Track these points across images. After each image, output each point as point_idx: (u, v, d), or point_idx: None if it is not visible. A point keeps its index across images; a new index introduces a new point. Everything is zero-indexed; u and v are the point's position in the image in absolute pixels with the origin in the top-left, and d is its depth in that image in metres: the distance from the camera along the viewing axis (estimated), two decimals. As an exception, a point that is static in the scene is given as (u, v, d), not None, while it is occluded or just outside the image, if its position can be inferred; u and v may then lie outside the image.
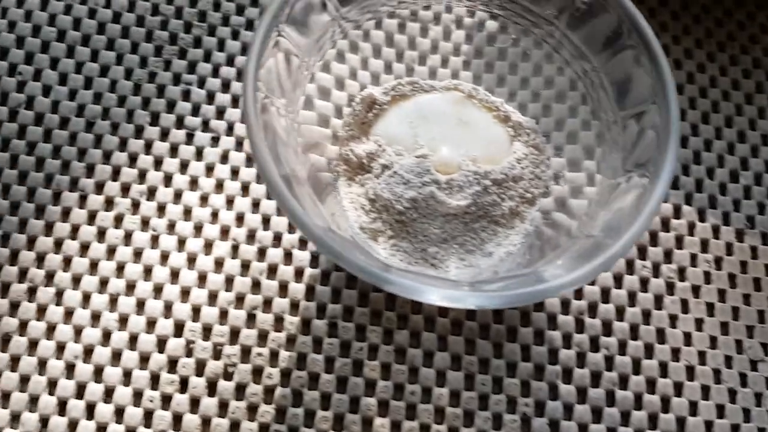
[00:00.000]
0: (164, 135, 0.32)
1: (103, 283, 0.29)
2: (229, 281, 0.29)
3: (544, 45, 0.29)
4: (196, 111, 0.32)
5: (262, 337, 0.29)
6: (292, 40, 0.25)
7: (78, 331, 0.28)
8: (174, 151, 0.31)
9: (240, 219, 0.30)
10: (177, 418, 0.27)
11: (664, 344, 0.30)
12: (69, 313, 0.29)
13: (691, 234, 0.32)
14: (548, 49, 0.29)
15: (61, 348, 0.28)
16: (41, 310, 0.29)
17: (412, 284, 0.22)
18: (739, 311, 0.31)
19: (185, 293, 0.29)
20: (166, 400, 0.28)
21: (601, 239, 0.23)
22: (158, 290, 0.29)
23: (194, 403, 0.28)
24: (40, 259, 0.29)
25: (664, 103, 0.24)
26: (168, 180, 0.31)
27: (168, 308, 0.29)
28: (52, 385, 0.28)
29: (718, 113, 0.34)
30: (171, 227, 0.30)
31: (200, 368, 0.28)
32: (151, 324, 0.29)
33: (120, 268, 0.29)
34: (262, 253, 0.30)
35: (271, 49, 0.24)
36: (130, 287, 0.29)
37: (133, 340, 0.28)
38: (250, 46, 0.24)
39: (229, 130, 0.32)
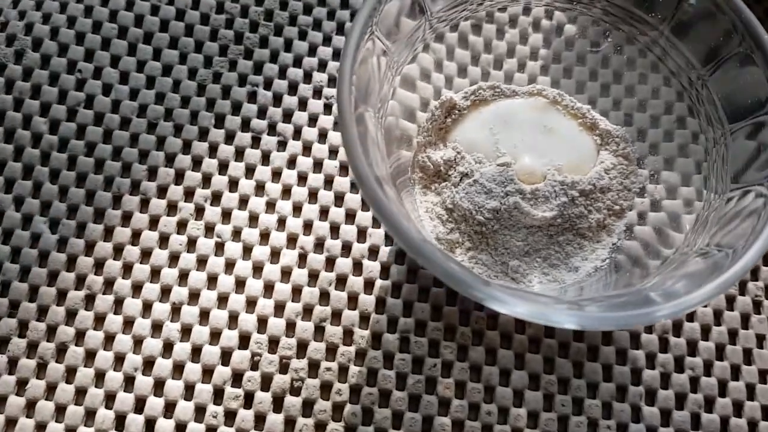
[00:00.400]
0: (229, 138, 0.30)
1: (165, 291, 0.28)
2: (297, 291, 0.28)
3: (648, 53, 0.27)
4: (262, 113, 0.31)
5: (331, 351, 0.27)
6: (382, 42, 0.24)
7: (138, 342, 0.27)
8: (239, 154, 0.30)
9: (308, 227, 0.29)
10: (244, 436, 0.26)
11: (750, 365, 0.28)
12: (129, 323, 0.27)
13: (777, 251, 0.30)
14: (652, 58, 0.27)
15: (120, 359, 0.27)
16: (99, 320, 0.27)
17: (509, 297, 0.20)
18: (827, 333, 0.29)
19: (251, 303, 0.28)
20: (230, 416, 0.26)
21: (718, 257, 0.22)
22: (223, 300, 0.28)
23: (259, 420, 0.26)
24: (99, 266, 0.28)
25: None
26: (233, 185, 0.30)
27: (233, 319, 0.27)
28: (110, 398, 0.26)
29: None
30: (236, 234, 0.29)
31: (266, 382, 0.27)
32: (215, 335, 0.27)
33: (183, 276, 0.28)
34: (330, 263, 0.29)
35: (363, 53, 0.23)
36: (194, 296, 0.28)
37: (196, 351, 0.27)
38: (345, 50, 0.22)
39: (296, 133, 0.31)
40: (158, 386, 0.27)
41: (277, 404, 0.27)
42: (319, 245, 0.29)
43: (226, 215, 0.29)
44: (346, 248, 0.29)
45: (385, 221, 0.21)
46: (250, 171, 0.30)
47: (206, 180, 0.30)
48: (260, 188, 0.30)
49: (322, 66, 0.32)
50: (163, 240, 0.29)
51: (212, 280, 0.28)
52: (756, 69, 0.23)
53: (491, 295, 0.20)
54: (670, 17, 0.26)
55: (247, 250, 0.29)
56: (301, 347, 0.27)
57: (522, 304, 0.20)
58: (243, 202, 0.29)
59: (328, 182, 0.30)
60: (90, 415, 0.26)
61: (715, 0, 0.24)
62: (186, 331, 0.27)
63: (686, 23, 0.26)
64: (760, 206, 0.22)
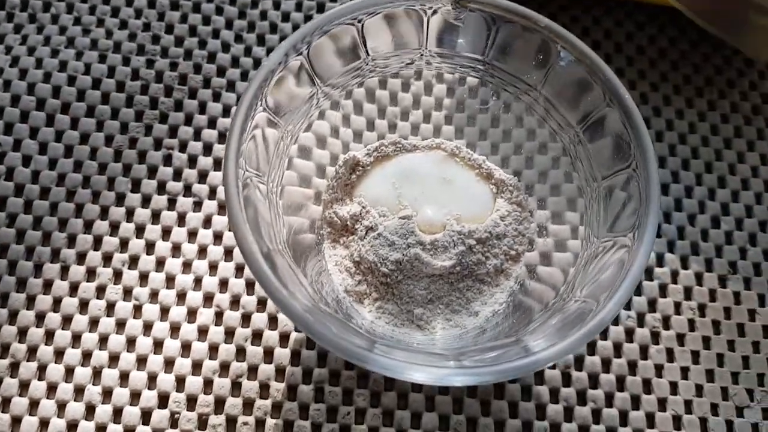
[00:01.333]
0: (146, 201, 0.32)
1: (86, 355, 0.29)
2: (214, 349, 0.29)
3: (533, 112, 0.29)
4: (178, 176, 0.32)
5: (248, 405, 0.29)
6: (273, 111, 0.25)
7: (62, 406, 0.28)
8: (156, 217, 0.31)
9: (224, 284, 0.30)
10: (164, 494, 0.27)
11: (650, 395, 0.30)
12: (52, 388, 0.28)
13: (674, 282, 0.32)
14: (537, 117, 0.29)
15: (44, 424, 0.28)
16: (24, 386, 0.28)
17: (396, 364, 0.21)
18: (724, 358, 0.31)
19: (169, 363, 0.29)
20: (153, 473, 0.27)
21: (586, 305, 0.23)
22: (142, 361, 0.29)
23: (181, 476, 0.27)
24: (22, 334, 0.29)
25: (645, 171, 0.24)
26: (150, 247, 0.31)
27: (152, 379, 0.29)
28: (36, 462, 0.27)
29: (698, 159, 0.35)
30: (154, 296, 0.30)
31: (186, 439, 0.28)
32: (135, 396, 0.28)
33: (103, 340, 0.29)
34: (246, 319, 0.30)
35: (252, 126, 0.24)
36: (114, 359, 0.29)
37: (117, 413, 0.28)
38: (231, 125, 0.24)
39: (212, 193, 0.32)
40: (82, 449, 0.28)
41: (198, 459, 0.28)
42: (235, 302, 0.30)
43: (144, 278, 0.30)
44: (262, 303, 0.30)
45: (270, 295, 0.22)
46: (166, 233, 0.31)
47: (124, 244, 0.31)
48: (177, 249, 0.31)
49: (236, 126, 0.33)
50: (83, 305, 0.30)
51: (131, 343, 0.29)
52: (619, 125, 0.25)
53: (374, 362, 0.22)
54: (543, 79, 0.27)
55: (165, 311, 0.30)
56: (219, 403, 0.28)
57: (407, 370, 0.21)
58: (160, 263, 0.31)
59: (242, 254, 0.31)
60: (17, 481, 0.27)
61: (579, 59, 0.26)
62: (107, 394, 0.28)
63: (559, 84, 0.27)
64: (623, 256, 0.24)
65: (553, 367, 0.30)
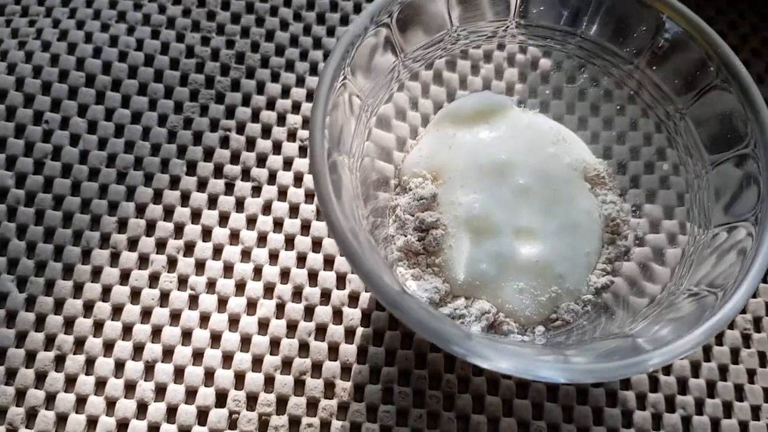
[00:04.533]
0: (202, 185, 0.30)
1: (138, 349, 0.27)
2: (275, 344, 0.27)
3: (624, 86, 0.27)
4: (235, 159, 0.30)
5: (312, 406, 0.26)
6: (356, 84, 0.23)
7: (111, 404, 0.26)
8: (213, 202, 0.29)
9: (285, 275, 0.28)
10: (223, 500, 0.25)
11: (743, 401, 0.28)
12: (101, 384, 0.26)
13: (764, 281, 0.30)
14: (628, 91, 0.27)
15: (92, 423, 0.26)
16: (70, 381, 0.26)
17: (497, 354, 0.19)
18: (820, 363, 0.29)
19: (227, 358, 0.27)
20: (209, 477, 0.25)
21: (706, 299, 0.21)
22: (198, 356, 0.27)
23: (240, 481, 0.25)
24: (69, 324, 0.27)
25: (763, 150, 0.22)
26: (207, 234, 0.29)
27: (209, 375, 0.26)
28: (83, 462, 0.25)
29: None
30: (211, 285, 0.28)
31: (246, 441, 0.26)
32: (190, 393, 0.26)
33: (156, 332, 0.27)
34: (309, 312, 0.28)
35: (335, 98, 0.22)
36: (168, 353, 0.27)
37: (172, 411, 0.26)
38: (316, 96, 0.22)
39: (271, 178, 0.30)
40: (133, 449, 0.26)
41: (258, 463, 0.26)
42: (297, 294, 0.28)
43: (200, 266, 0.28)
44: (325, 296, 0.28)
45: (362, 275, 0.20)
46: (224, 219, 0.29)
47: (179, 230, 0.29)
48: (235, 236, 0.29)
49: (296, 108, 0.31)
50: (135, 295, 0.28)
51: (186, 336, 0.27)
52: (734, 101, 0.23)
53: (473, 350, 0.19)
54: (645, 51, 0.25)
55: (222, 302, 0.28)
56: (281, 403, 0.26)
57: (505, 359, 0.19)
58: (217, 251, 0.28)
59: (305, 227, 0.29)
60: (62, 483, 0.25)
61: (690, 32, 0.24)
62: (160, 390, 0.26)
63: (661, 56, 0.25)
64: (746, 244, 0.21)
65: (668, 371, 0.28)
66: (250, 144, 0.30)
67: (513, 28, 0.27)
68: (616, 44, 0.26)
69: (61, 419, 0.26)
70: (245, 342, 0.27)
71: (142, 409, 0.26)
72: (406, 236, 0.26)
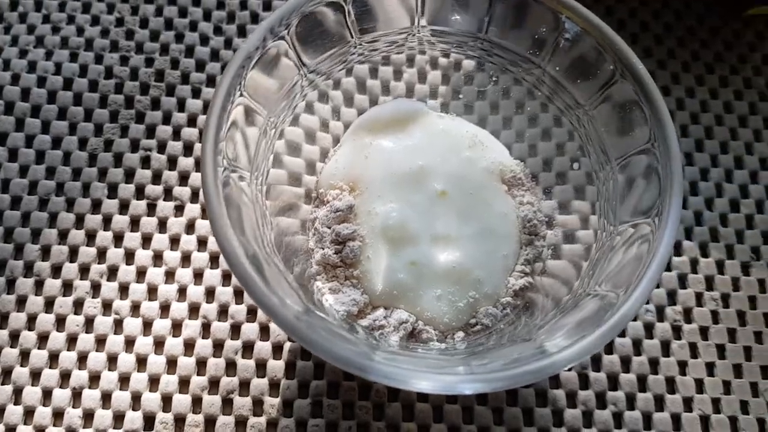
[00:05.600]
0: (124, 208, 0.29)
1: (65, 376, 0.27)
2: (202, 364, 0.27)
3: (524, 82, 0.27)
4: (157, 179, 0.30)
5: (241, 424, 0.26)
6: (256, 99, 0.23)
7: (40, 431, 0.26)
8: (135, 224, 0.29)
9: (210, 293, 0.28)
10: None
11: (675, 394, 0.28)
12: (29, 413, 0.26)
13: (694, 271, 0.30)
14: (529, 86, 0.26)
15: (21, 452, 0.26)
16: (-2, 412, 0.26)
17: (399, 372, 0.19)
18: (752, 350, 0.29)
19: (154, 381, 0.27)
20: (140, 501, 0.25)
21: (606, 299, 0.21)
22: (125, 380, 0.27)
23: (171, 503, 0.25)
24: (-5, 355, 0.27)
25: (664, 146, 0.22)
26: (130, 257, 0.29)
27: (136, 399, 0.26)
28: (13, 494, 0.25)
29: (713, 139, 0.32)
30: (135, 309, 0.28)
31: (175, 463, 0.26)
32: (118, 418, 0.26)
33: (82, 359, 0.27)
34: (236, 330, 0.28)
35: (231, 117, 0.22)
36: (94, 379, 0.27)
37: (100, 437, 0.26)
38: (209, 114, 0.21)
39: (194, 196, 0.30)
40: (63, 477, 0.26)
41: (189, 484, 0.26)
42: (223, 312, 0.28)
43: (124, 290, 0.28)
44: (252, 312, 0.28)
45: (257, 302, 0.20)
46: (146, 240, 0.29)
47: (101, 254, 0.29)
48: (158, 257, 0.29)
49: (219, 123, 0.31)
50: (60, 322, 0.28)
51: (112, 360, 0.27)
52: (632, 95, 0.23)
53: (376, 371, 0.19)
54: (550, 53, 0.25)
55: (148, 325, 0.28)
56: (209, 423, 0.26)
57: (416, 379, 0.19)
58: (141, 274, 0.28)
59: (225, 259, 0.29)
60: None
61: (587, 30, 0.24)
62: (88, 417, 0.26)
63: (564, 59, 0.25)
64: (647, 241, 0.21)
65: (570, 369, 0.28)
66: (172, 162, 0.30)
67: (421, 35, 0.27)
68: (522, 48, 0.26)
69: (-10, 452, 0.26)
70: (171, 364, 0.27)
71: (70, 437, 0.26)
72: (323, 249, 0.26)
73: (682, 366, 0.28)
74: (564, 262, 0.25)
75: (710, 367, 0.28)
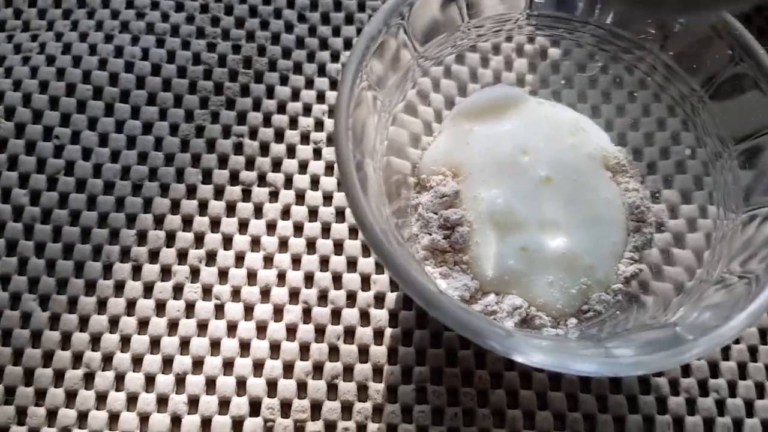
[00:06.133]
0: (219, 193, 0.29)
1: (167, 362, 0.26)
2: (305, 349, 0.27)
3: (635, 70, 0.26)
4: (250, 164, 0.30)
5: (347, 409, 0.26)
6: (375, 83, 0.23)
7: (144, 419, 0.26)
8: (231, 209, 0.29)
9: (309, 279, 0.28)
10: None
11: (774, 381, 0.28)
12: (132, 399, 0.26)
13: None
14: (641, 75, 0.26)
15: (126, 438, 0.25)
16: (101, 398, 0.26)
17: (553, 354, 0.19)
18: None
19: (258, 366, 0.27)
20: (247, 487, 0.25)
21: (741, 285, 0.21)
22: (228, 365, 0.27)
23: (278, 489, 0.25)
24: (95, 341, 0.27)
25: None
26: (228, 242, 0.28)
27: (241, 384, 0.26)
28: (118, 480, 0.25)
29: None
30: (236, 294, 0.28)
31: (281, 449, 0.25)
32: (223, 404, 0.26)
33: (184, 344, 0.27)
34: (336, 315, 0.28)
35: (357, 97, 0.22)
36: (197, 364, 0.26)
37: (206, 423, 0.26)
38: (339, 96, 0.21)
39: (288, 182, 0.30)
40: (168, 464, 0.25)
41: (295, 470, 0.25)
42: (322, 298, 0.28)
43: (223, 275, 0.28)
44: (351, 298, 0.28)
45: (396, 276, 0.20)
46: (243, 226, 0.29)
47: (199, 239, 0.28)
48: (256, 243, 0.28)
49: (307, 110, 0.31)
50: (160, 307, 0.27)
51: (215, 346, 0.27)
52: (756, 90, 0.23)
53: (514, 347, 0.19)
54: (662, 38, 0.25)
55: (249, 310, 0.27)
56: (315, 408, 0.26)
57: (545, 354, 0.19)
58: (239, 259, 0.28)
59: (326, 230, 0.29)
60: (98, 501, 0.25)
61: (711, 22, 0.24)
62: (193, 403, 0.26)
63: (679, 44, 0.25)
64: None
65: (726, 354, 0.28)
66: (264, 149, 0.30)
67: (523, 20, 0.27)
68: (636, 34, 0.26)
69: (94, 438, 0.25)
70: (274, 349, 0.27)
71: (175, 422, 0.26)
72: (431, 234, 0.26)
73: (782, 353, 0.28)
74: (683, 250, 0.25)
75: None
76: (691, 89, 0.25)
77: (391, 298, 0.28)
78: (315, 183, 0.30)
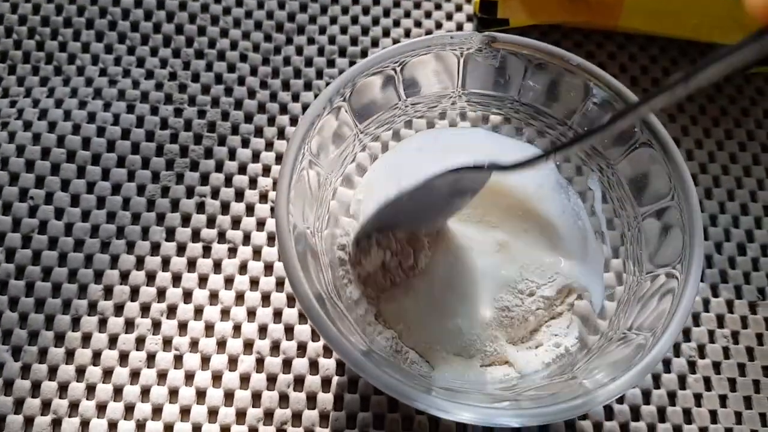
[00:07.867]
0: (181, 250, 0.32)
1: (129, 409, 0.29)
2: (257, 397, 0.29)
3: (550, 135, 0.30)
4: (211, 223, 0.32)
5: (294, 453, 0.28)
6: (316, 159, 0.26)
7: (106, 462, 0.28)
8: (192, 265, 0.31)
9: (263, 330, 0.30)
10: None
11: (691, 424, 0.30)
12: (95, 444, 0.28)
13: (706, 310, 0.32)
14: (553, 139, 0.29)
15: (89, 481, 0.27)
16: (67, 443, 0.28)
17: (450, 405, 0.22)
18: (760, 384, 0.31)
19: (212, 413, 0.29)
20: None
21: (638, 340, 0.23)
22: (185, 412, 0.29)
23: None
24: (63, 389, 0.29)
25: (685, 201, 0.25)
26: (188, 296, 0.31)
27: (197, 430, 0.28)
28: None
29: (720, 188, 0.35)
30: (194, 345, 0.30)
31: (233, 491, 0.28)
32: (180, 448, 0.28)
33: (145, 393, 0.29)
34: (287, 365, 0.30)
35: (299, 173, 0.24)
36: (157, 411, 0.29)
37: (163, 466, 0.28)
38: (281, 173, 0.24)
39: (246, 239, 0.32)
40: (128, 505, 0.27)
41: None
42: (275, 348, 0.30)
43: (183, 327, 0.30)
44: (302, 348, 0.30)
45: (327, 340, 0.22)
46: (203, 281, 0.31)
47: (161, 294, 0.31)
48: (214, 297, 0.31)
49: (266, 170, 0.34)
50: (123, 358, 0.30)
51: (173, 394, 0.29)
52: (658, 157, 0.26)
53: (433, 404, 0.22)
54: (577, 113, 0.28)
55: (205, 360, 0.30)
56: (265, 452, 0.28)
57: (463, 410, 0.22)
58: (198, 312, 0.31)
59: (280, 284, 0.31)
60: None
61: (616, 97, 0.27)
62: (152, 447, 0.28)
63: (591, 118, 0.28)
64: (673, 288, 0.24)
65: (621, 400, 0.30)
66: (225, 208, 0.33)
67: (457, 97, 0.30)
68: (553, 110, 0.29)
69: (59, 481, 0.27)
70: (228, 397, 0.29)
71: (135, 466, 0.28)
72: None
73: (698, 398, 0.31)
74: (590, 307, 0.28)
75: (723, 399, 0.31)
76: (607, 162, 0.28)
77: (338, 348, 0.30)
78: (272, 239, 0.32)
